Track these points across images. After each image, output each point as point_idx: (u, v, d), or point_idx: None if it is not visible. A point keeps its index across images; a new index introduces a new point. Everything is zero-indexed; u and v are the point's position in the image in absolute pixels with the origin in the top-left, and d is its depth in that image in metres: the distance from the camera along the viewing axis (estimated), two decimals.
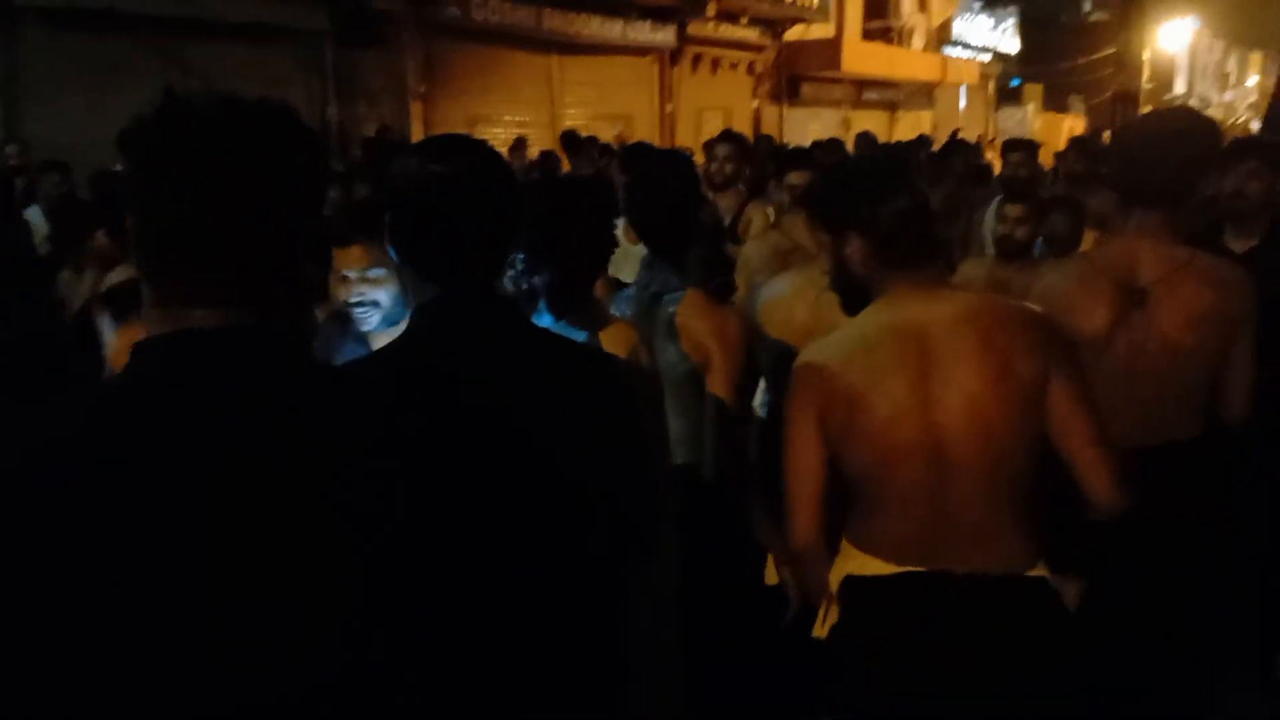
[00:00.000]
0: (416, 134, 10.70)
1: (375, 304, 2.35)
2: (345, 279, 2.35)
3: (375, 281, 2.34)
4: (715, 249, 3.97)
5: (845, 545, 1.94)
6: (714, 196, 5.10)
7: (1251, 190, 3.20)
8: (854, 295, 1.97)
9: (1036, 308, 1.99)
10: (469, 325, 1.43)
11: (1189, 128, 2.35)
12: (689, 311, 2.45)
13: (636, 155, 5.28)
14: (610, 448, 1.47)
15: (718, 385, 2.44)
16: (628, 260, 2.95)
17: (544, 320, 1.97)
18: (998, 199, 4.40)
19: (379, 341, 2.30)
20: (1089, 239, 4.11)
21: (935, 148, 9.03)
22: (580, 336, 1.95)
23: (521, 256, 1.94)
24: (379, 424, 1.06)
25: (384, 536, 1.00)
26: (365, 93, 10.99)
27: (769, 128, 18.04)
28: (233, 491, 0.94)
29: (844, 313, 2.01)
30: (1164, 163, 2.28)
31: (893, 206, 1.86)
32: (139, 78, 8.76)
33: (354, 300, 2.35)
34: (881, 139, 11.51)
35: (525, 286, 1.94)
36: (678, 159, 2.60)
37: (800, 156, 5.28)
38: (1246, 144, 3.89)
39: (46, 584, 0.88)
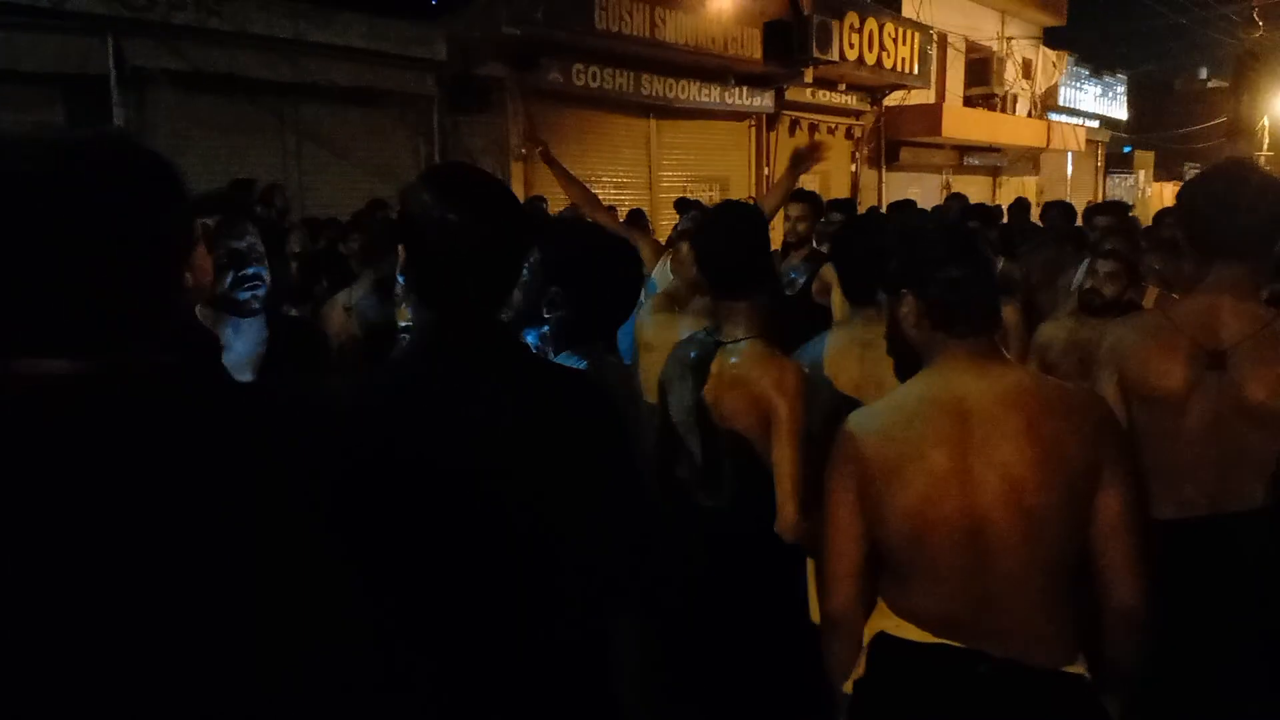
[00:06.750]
0: (517, 194, 10.94)
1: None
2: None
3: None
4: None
5: (882, 606, 1.88)
6: (789, 255, 5.14)
7: None
8: (906, 359, 1.93)
9: (1093, 393, 1.91)
10: (457, 348, 1.47)
11: (1267, 181, 2.29)
12: (748, 363, 2.42)
13: (708, 207, 5.36)
14: (590, 473, 1.47)
15: (783, 437, 2.39)
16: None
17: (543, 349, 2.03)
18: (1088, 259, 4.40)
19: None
20: (1152, 295, 4.08)
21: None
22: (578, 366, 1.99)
23: (556, 289, 2.00)
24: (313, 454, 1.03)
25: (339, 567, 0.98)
26: (468, 153, 11.33)
27: (868, 191, 17.99)
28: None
29: (896, 376, 1.97)
30: (1249, 216, 2.22)
31: (947, 270, 1.81)
32: (258, 137, 9.33)
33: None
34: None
35: (548, 315, 2.01)
36: (747, 210, 2.61)
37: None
38: None
39: None
